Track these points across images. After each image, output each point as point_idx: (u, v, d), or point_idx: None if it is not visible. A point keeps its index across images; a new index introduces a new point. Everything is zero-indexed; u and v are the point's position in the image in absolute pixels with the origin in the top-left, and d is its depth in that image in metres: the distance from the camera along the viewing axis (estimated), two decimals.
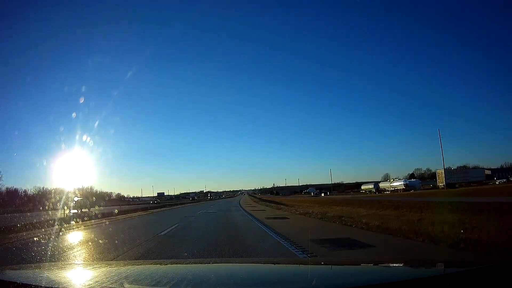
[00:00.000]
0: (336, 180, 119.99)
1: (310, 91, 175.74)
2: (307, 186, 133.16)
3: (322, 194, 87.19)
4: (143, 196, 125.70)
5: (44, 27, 78.54)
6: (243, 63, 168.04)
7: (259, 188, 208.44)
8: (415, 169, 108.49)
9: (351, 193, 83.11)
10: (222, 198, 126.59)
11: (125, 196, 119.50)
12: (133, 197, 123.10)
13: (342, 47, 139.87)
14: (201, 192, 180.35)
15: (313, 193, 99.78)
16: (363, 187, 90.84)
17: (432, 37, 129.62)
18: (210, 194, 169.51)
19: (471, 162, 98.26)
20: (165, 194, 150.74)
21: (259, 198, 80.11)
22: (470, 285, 1.48)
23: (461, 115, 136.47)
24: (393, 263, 2.59)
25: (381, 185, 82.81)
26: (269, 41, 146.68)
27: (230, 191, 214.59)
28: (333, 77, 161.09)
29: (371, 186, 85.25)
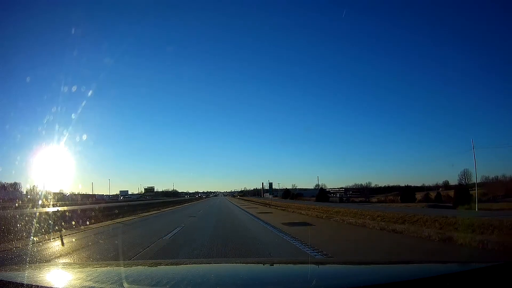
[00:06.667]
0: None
1: (313, 92, 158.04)
2: (299, 190, 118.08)
3: None
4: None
5: (29, 19, 72.45)
6: (221, 61, 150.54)
7: (238, 190, 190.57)
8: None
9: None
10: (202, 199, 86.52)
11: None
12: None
13: (351, 48, 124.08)
14: (151, 188, 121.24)
15: None
16: None
17: (437, 36, 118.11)
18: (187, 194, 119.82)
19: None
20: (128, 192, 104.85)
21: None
22: (471, 285, 1.50)
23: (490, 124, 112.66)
24: (393, 263, 2.63)
25: None
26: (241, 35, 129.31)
27: (203, 192, 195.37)
28: (341, 79, 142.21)
29: None
